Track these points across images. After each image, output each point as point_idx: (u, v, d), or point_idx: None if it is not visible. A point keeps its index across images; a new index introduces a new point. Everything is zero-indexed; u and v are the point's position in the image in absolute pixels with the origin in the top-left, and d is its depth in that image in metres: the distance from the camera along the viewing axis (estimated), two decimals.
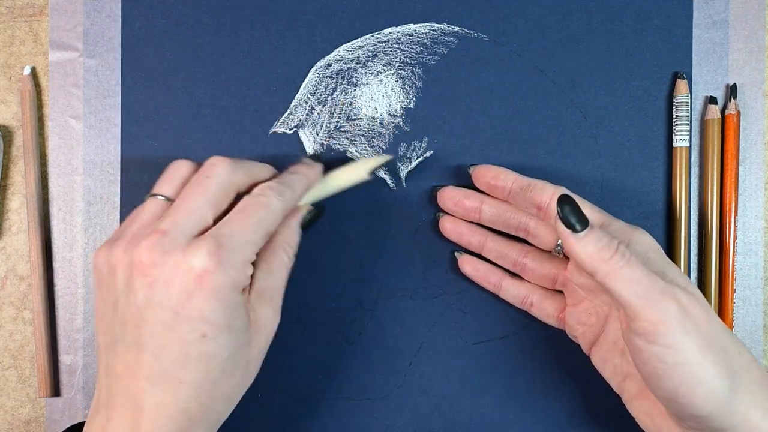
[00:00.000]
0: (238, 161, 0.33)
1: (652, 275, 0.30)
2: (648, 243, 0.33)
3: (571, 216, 0.31)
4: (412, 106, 0.40)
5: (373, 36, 0.40)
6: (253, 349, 0.32)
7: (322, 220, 0.40)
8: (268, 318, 0.32)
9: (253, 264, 0.32)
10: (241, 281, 0.30)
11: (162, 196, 0.33)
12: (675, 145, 0.39)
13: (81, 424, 0.34)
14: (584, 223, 0.31)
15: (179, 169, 0.34)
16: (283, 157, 0.40)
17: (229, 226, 0.31)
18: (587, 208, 0.34)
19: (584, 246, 0.31)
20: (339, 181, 0.37)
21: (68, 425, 0.38)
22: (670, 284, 0.30)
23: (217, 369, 0.30)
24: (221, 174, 0.32)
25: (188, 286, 0.29)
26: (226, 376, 0.30)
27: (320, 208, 0.36)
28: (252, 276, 0.32)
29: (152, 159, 0.40)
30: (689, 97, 0.39)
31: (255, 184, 0.34)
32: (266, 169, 0.35)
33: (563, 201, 0.31)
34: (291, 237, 0.34)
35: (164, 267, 0.29)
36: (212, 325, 0.29)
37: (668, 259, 0.33)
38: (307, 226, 0.36)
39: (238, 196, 0.33)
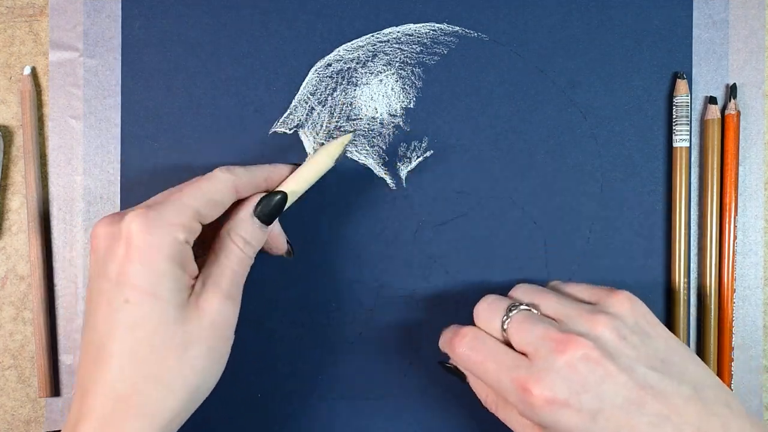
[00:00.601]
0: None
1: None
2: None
3: (452, 373, 0.36)
4: (412, 106, 0.40)
5: (373, 36, 0.40)
6: (191, 334, 0.29)
7: (321, 220, 0.40)
8: (212, 306, 0.30)
9: (203, 253, 0.32)
10: (172, 249, 0.29)
11: None
12: (675, 145, 0.39)
13: None
14: (461, 376, 0.36)
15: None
16: (283, 157, 0.40)
17: (166, 195, 0.31)
18: (553, 301, 0.34)
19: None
20: (306, 176, 0.34)
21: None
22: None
23: (145, 343, 0.28)
24: (211, 177, 0.33)
25: (120, 251, 0.29)
26: (156, 356, 0.29)
27: (277, 194, 0.33)
28: (202, 266, 0.32)
29: (152, 159, 0.40)
30: (689, 97, 0.39)
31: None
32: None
33: (443, 367, 0.37)
34: (242, 226, 0.32)
35: (107, 236, 0.30)
36: (135, 289, 0.28)
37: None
38: (267, 217, 0.33)
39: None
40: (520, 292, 0.35)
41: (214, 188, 0.31)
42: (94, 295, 0.30)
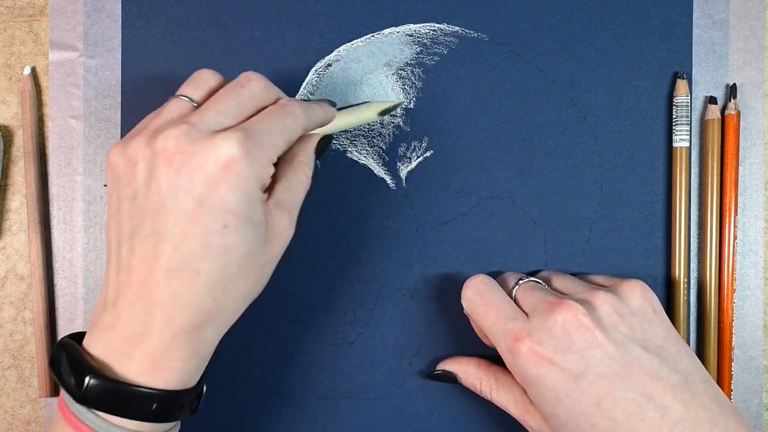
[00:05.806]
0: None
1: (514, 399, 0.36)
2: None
3: (442, 379, 0.39)
4: (412, 106, 0.40)
5: (373, 36, 0.40)
6: (268, 252, 0.31)
7: (321, 220, 0.40)
8: (284, 226, 0.32)
9: (274, 177, 0.32)
10: (263, 178, 0.30)
11: (187, 97, 0.32)
12: (675, 145, 0.39)
13: (79, 334, 0.32)
14: (452, 378, 0.39)
15: (206, 77, 0.33)
16: None
17: (256, 123, 0.31)
18: (566, 281, 0.37)
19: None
20: (350, 119, 0.37)
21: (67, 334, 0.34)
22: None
23: (234, 264, 0.29)
24: (256, 88, 0.32)
25: (214, 174, 0.29)
26: (241, 274, 0.30)
27: (329, 138, 0.38)
28: (271, 188, 0.32)
29: None
30: (689, 97, 0.39)
31: None
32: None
33: (432, 378, 0.39)
34: (308, 159, 0.34)
35: (191, 154, 0.29)
36: (235, 216, 0.29)
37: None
38: (319, 154, 0.36)
39: None
40: (542, 273, 0.39)
41: (295, 130, 0.32)
42: (171, 211, 0.29)
